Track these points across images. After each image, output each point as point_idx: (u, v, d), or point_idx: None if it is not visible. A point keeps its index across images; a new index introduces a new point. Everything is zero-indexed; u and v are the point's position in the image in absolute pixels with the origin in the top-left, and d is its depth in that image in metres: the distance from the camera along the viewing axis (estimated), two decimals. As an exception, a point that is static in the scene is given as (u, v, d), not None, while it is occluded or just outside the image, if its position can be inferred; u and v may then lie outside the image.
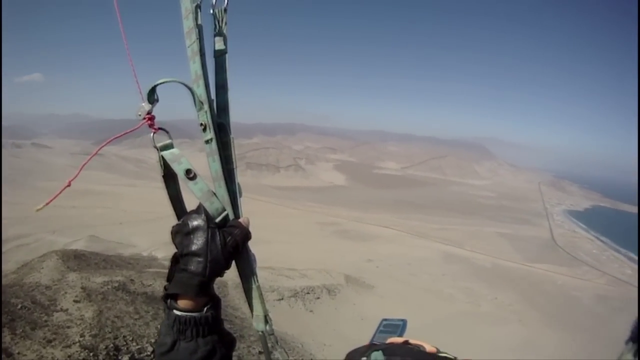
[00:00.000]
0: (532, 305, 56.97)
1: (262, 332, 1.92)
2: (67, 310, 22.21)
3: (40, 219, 79.88)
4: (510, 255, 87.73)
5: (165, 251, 58.91)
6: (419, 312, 45.45)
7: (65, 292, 24.52)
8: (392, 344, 1.70)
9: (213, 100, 1.88)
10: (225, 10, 1.91)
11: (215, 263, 1.67)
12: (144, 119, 1.72)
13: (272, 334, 1.92)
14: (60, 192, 1.68)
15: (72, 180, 1.68)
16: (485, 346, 41.65)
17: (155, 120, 1.77)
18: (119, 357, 19.24)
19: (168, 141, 1.77)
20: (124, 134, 1.80)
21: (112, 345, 19.76)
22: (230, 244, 1.72)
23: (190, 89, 1.75)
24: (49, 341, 18.53)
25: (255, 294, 1.89)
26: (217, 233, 1.70)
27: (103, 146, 1.77)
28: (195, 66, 1.78)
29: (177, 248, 1.71)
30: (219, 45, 1.92)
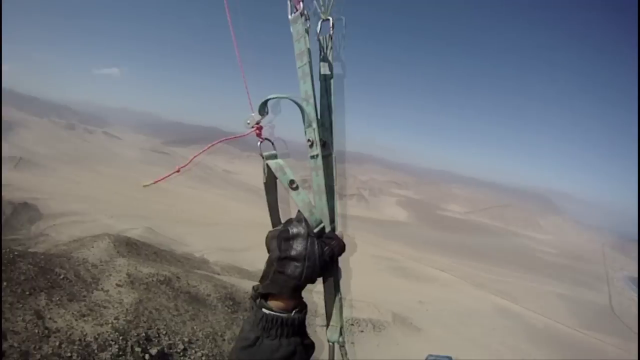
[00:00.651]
0: None
1: (335, 342, 2.03)
2: (107, 291, 22.00)
3: (101, 201, 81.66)
4: (564, 318, 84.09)
5: (217, 256, 59.11)
6: (464, 365, 44.13)
7: (110, 275, 24.41)
8: None
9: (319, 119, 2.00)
10: (330, 37, 2.05)
11: (311, 269, 1.76)
12: (253, 127, 1.88)
13: (344, 345, 2.03)
14: (168, 176, 1.92)
15: (181, 167, 1.91)
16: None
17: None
18: (148, 347, 18.83)
19: (273, 152, 1.94)
20: (232, 138, 2.00)
21: (144, 334, 19.34)
22: (327, 253, 1.82)
23: (300, 106, 1.91)
24: (83, 315, 18.30)
25: (336, 304, 2.03)
26: (316, 242, 1.81)
27: (213, 145, 1.99)
28: (305, 86, 1.91)
29: (272, 251, 1.83)
30: (324, 70, 2.07)
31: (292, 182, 1.85)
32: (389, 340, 41.05)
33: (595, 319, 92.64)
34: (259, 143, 1.88)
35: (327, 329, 2.04)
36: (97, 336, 17.28)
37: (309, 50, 1.89)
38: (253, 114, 1.85)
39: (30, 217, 64.00)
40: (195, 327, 22.95)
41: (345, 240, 1.93)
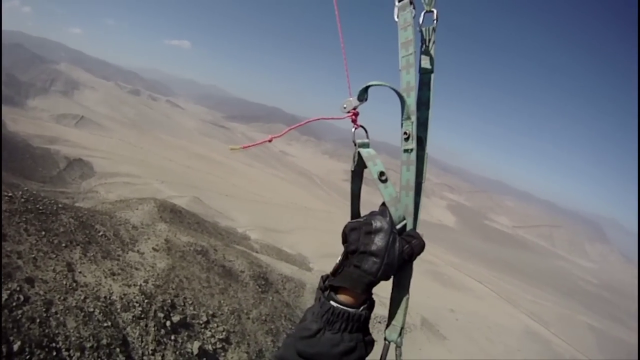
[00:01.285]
0: None
1: (392, 342, 1.94)
2: (143, 254, 22.45)
3: (155, 167, 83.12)
4: (592, 352, 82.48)
5: (259, 234, 59.70)
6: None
7: (149, 238, 24.90)
8: None
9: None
10: (434, 30, 2.01)
11: (390, 267, 1.74)
12: (349, 112, 1.85)
13: (400, 346, 1.94)
14: (259, 143, 1.89)
15: (274, 137, 1.84)
16: None
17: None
18: (171, 315, 19.18)
19: (366, 140, 1.90)
20: (328, 118, 1.96)
21: (169, 301, 19.71)
22: (406, 251, 1.79)
23: (401, 97, 1.87)
24: (113, 274, 18.78)
25: (402, 304, 1.94)
26: (398, 239, 1.78)
27: (309, 122, 2.00)
28: (408, 77, 1.88)
29: (349, 243, 1.79)
30: (425, 63, 2.02)
31: (382, 173, 1.83)
32: (412, 343, 40.98)
33: (622, 358, 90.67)
34: (353, 129, 1.88)
35: (386, 327, 2.00)
36: (122, 296, 17.66)
37: (414, 40, 1.89)
38: (351, 99, 1.84)
39: (83, 173, 65.65)
40: (222, 302, 23.23)
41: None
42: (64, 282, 15.73)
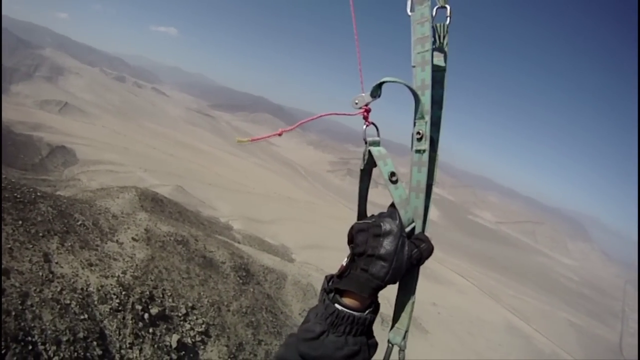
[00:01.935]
0: None
1: (395, 345, 1.93)
2: (122, 244, 22.20)
3: (139, 155, 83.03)
4: (573, 348, 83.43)
5: (242, 224, 59.76)
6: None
7: (128, 227, 24.63)
8: None
9: None
10: (447, 26, 1.96)
11: (398, 271, 1.72)
12: (361, 108, 1.81)
13: (404, 350, 1.93)
14: (268, 137, 1.86)
15: (284, 130, 1.85)
16: None
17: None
18: (150, 307, 18.96)
19: (377, 138, 1.87)
20: (339, 114, 1.94)
21: (148, 292, 19.48)
22: (415, 255, 1.77)
23: (416, 95, 1.83)
24: (91, 265, 18.51)
25: (408, 307, 1.94)
26: (407, 243, 1.76)
27: (321, 116, 1.95)
28: (423, 74, 1.83)
29: (356, 245, 1.76)
30: (438, 60, 1.95)
31: (392, 174, 1.80)
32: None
33: (603, 355, 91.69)
34: (364, 126, 1.82)
35: (390, 329, 1.96)
36: (99, 288, 17.41)
37: (431, 37, 1.84)
38: (363, 94, 1.78)
39: (66, 161, 65.33)
40: (202, 293, 23.03)
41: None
42: (40, 274, 15.46)
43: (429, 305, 63.31)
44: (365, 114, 1.81)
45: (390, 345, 1.93)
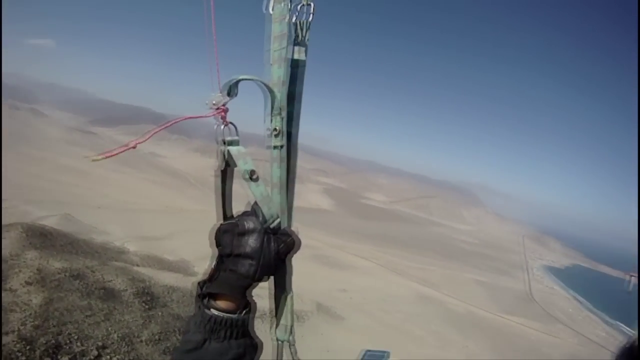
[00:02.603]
0: (502, 357, 57.16)
1: (283, 341, 2.00)
2: (15, 291, 20.85)
3: (20, 186, 78.64)
4: (485, 304, 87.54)
5: (137, 245, 57.90)
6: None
7: (20, 271, 23.17)
8: None
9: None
10: (309, 23, 1.96)
11: (266, 268, 1.73)
12: (218, 109, 1.78)
13: (294, 344, 2.01)
14: (121, 151, 1.74)
15: (138, 142, 1.75)
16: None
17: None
18: (59, 357, 17.89)
19: (236, 137, 1.83)
20: (195, 117, 1.87)
21: (53, 341, 18.36)
22: (282, 250, 1.78)
23: (272, 92, 1.83)
24: (-15, 323, 17.21)
25: (288, 302, 1.98)
26: (272, 238, 1.76)
27: (177, 122, 1.82)
28: (280, 71, 1.84)
29: (223, 247, 1.75)
30: (299, 55, 1.96)
31: (252, 172, 1.77)
32: (312, 330, 40.97)
33: (515, 304, 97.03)
34: (222, 127, 1.77)
35: (276, 327, 2.00)
36: (1, 348, 16.37)
37: (288, 34, 1.83)
38: (219, 94, 1.74)
39: None
40: (109, 329, 22.04)
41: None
42: None
43: (339, 292, 63.92)
44: (223, 114, 1.76)
45: (279, 342, 1.99)
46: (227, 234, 1.72)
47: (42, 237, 34.12)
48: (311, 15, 1.91)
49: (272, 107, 1.81)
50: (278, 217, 1.80)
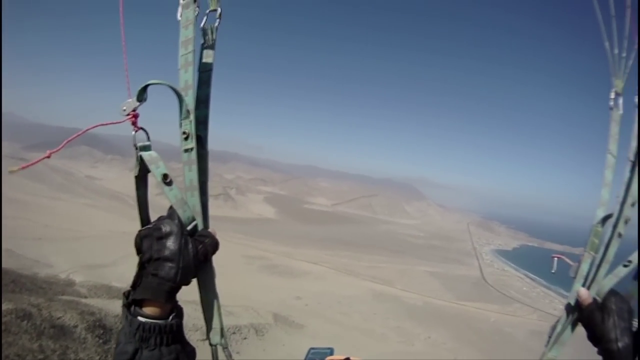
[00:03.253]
0: (466, 342, 57.72)
1: (217, 345, 1.94)
2: (-43, 343, 19.48)
3: (-47, 223, 75.80)
4: (441, 294, 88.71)
5: (84, 275, 56.43)
6: (351, 352, 43.86)
7: (-39, 321, 21.75)
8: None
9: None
10: (216, 28, 2.01)
11: (187, 270, 1.72)
12: (128, 115, 1.78)
13: (227, 347, 1.96)
14: (37, 161, 1.69)
15: (52, 152, 1.70)
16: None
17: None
18: (17, 411, 16.53)
19: (148, 142, 1.83)
20: (107, 124, 1.82)
21: (8, 398, 17.11)
22: (201, 252, 1.78)
23: (180, 95, 1.84)
24: None
25: (215, 305, 1.94)
26: (190, 240, 1.76)
27: (89, 130, 1.80)
28: (186, 75, 1.87)
29: (143, 252, 1.75)
30: (207, 61, 2.01)
31: (165, 176, 1.77)
32: (274, 342, 40.57)
33: (470, 290, 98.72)
34: (133, 132, 1.75)
35: (207, 332, 1.92)
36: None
37: (194, 39, 1.85)
38: (130, 100, 1.73)
39: None
40: (67, 369, 20.88)
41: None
42: None
43: (294, 300, 64.05)
44: (134, 119, 1.74)
45: (212, 346, 1.92)
46: (147, 239, 1.71)
47: (-18, 278, 32.55)
48: (217, 20, 1.96)
49: (180, 111, 1.84)
50: (194, 219, 1.82)
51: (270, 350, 38.83)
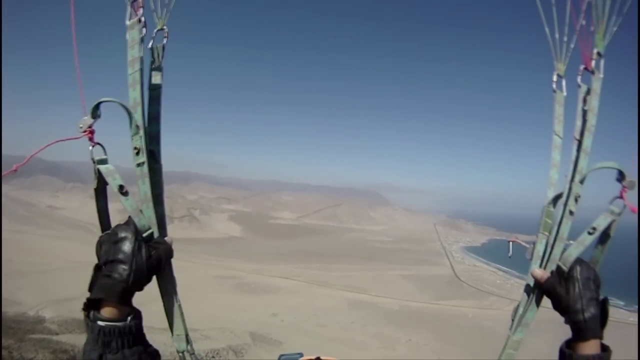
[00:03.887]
0: (447, 341, 57.93)
1: (183, 352, 2.05)
2: None
3: None
4: (416, 295, 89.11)
5: (53, 310, 55.40)
6: (330, 363, 43.46)
7: None
8: None
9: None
10: (163, 47, 2.18)
11: (139, 272, 1.80)
12: (85, 132, 1.87)
13: (194, 353, 2.07)
14: (5, 175, 1.83)
15: (19, 166, 1.83)
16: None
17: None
18: None
19: (104, 156, 1.92)
20: (65, 140, 1.92)
21: None
22: (154, 256, 1.88)
23: (129, 112, 1.95)
24: None
25: (176, 312, 2.04)
26: (143, 245, 1.87)
27: (49, 145, 1.91)
28: (134, 94, 1.98)
29: (100, 257, 1.85)
30: (156, 79, 2.16)
31: (121, 187, 1.88)
32: (253, 362, 40.00)
33: (445, 289, 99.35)
34: (90, 147, 1.87)
35: (172, 339, 2.01)
36: None
37: (141, 58, 1.97)
38: (86, 117, 1.84)
39: None
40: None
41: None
42: None
43: (270, 317, 63.58)
44: (90, 135, 1.86)
45: (179, 353, 2.01)
46: (104, 244, 1.82)
47: (-53, 324, 31.05)
48: (165, 39, 2.13)
49: (130, 127, 1.93)
50: (150, 228, 1.91)
51: (251, 370, 38.05)
